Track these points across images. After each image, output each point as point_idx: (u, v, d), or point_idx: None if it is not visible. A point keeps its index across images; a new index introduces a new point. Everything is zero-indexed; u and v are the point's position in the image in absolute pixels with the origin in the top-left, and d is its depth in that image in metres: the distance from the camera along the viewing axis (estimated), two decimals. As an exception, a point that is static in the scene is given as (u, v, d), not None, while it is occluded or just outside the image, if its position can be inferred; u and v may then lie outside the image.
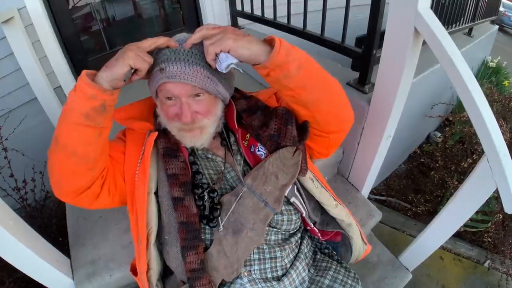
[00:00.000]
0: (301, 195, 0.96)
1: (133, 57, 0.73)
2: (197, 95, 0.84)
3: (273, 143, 0.90)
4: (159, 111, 0.91)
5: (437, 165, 2.25)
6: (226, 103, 0.96)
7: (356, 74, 1.50)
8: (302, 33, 1.64)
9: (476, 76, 2.68)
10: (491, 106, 1.00)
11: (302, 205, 0.96)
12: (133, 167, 0.90)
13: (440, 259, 1.99)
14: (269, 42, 0.78)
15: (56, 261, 1.18)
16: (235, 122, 0.94)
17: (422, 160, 2.38)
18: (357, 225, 1.07)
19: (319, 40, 1.53)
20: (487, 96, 2.26)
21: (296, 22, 1.75)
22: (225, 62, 0.76)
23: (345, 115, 0.91)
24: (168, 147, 0.91)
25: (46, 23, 1.88)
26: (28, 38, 1.79)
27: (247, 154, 0.94)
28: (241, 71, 0.80)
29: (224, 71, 0.78)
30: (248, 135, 0.95)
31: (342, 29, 1.43)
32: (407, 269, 1.47)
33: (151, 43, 0.78)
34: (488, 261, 2.01)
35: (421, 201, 2.21)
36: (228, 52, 0.75)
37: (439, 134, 2.73)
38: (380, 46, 1.22)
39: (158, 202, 0.90)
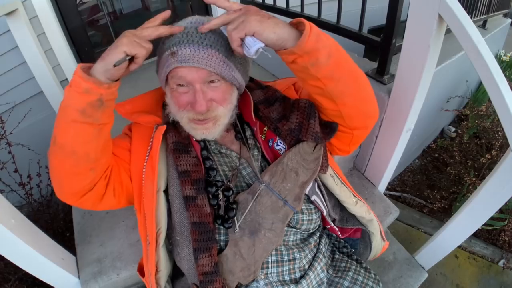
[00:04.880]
0: (321, 192, 0.91)
1: (127, 43, 0.66)
2: (212, 81, 0.77)
3: (293, 137, 0.84)
4: (168, 100, 0.84)
5: (452, 160, 2.19)
6: (241, 92, 0.89)
7: (373, 64, 1.45)
8: (316, 22, 1.56)
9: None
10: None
11: (323, 203, 0.91)
12: (140, 164, 0.84)
13: (455, 258, 1.94)
14: (296, 26, 0.71)
15: (61, 260, 1.15)
16: (253, 114, 0.88)
17: (436, 155, 2.31)
18: (377, 221, 1.02)
19: (335, 28, 1.47)
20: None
21: (309, 11, 1.69)
22: (254, 47, 0.68)
23: (370, 110, 0.84)
24: (179, 142, 0.85)
25: (51, 15, 1.84)
26: (33, 31, 1.76)
27: (265, 149, 0.88)
28: (269, 56, 0.73)
29: (254, 57, 0.70)
30: (265, 129, 0.89)
31: (360, 17, 1.37)
32: (423, 268, 1.42)
33: (150, 32, 0.71)
34: (502, 260, 1.96)
35: (436, 197, 2.15)
36: (253, 35, 0.68)
37: (453, 129, 2.66)
38: (399, 35, 1.16)
39: (168, 200, 0.84)
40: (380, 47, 1.31)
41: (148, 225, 0.81)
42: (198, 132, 0.82)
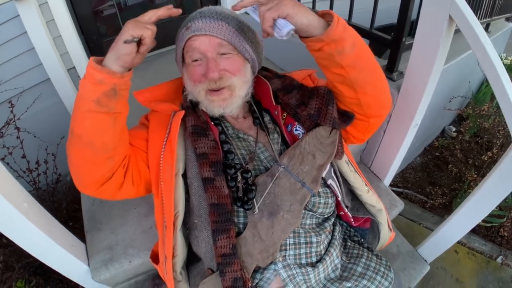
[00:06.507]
0: (337, 177, 0.94)
1: (132, 27, 0.69)
2: (224, 53, 0.83)
3: (312, 122, 0.88)
4: (185, 79, 0.89)
5: (453, 159, 2.23)
6: (255, 70, 0.94)
7: (382, 62, 1.47)
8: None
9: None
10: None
11: (338, 188, 0.94)
12: (157, 149, 0.86)
13: (454, 253, 1.98)
14: (322, 17, 0.76)
15: (71, 246, 1.14)
16: (272, 99, 0.91)
17: (437, 153, 2.35)
18: (385, 211, 1.05)
19: (347, 25, 1.49)
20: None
21: (321, 8, 1.71)
22: (286, 28, 0.72)
23: (386, 99, 0.89)
24: (197, 125, 0.87)
25: (61, 2, 1.84)
26: (42, 17, 1.75)
27: (285, 132, 0.91)
28: (298, 41, 0.77)
29: (284, 38, 0.74)
30: (285, 114, 0.92)
31: (371, 15, 1.40)
32: (425, 261, 1.46)
33: (151, 15, 0.74)
34: (500, 257, 2.01)
35: (438, 193, 2.19)
36: (285, 18, 0.72)
37: (454, 129, 2.70)
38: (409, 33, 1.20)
39: (186, 184, 0.86)
40: (390, 45, 1.34)
41: (165, 209, 0.83)
42: (215, 105, 0.86)
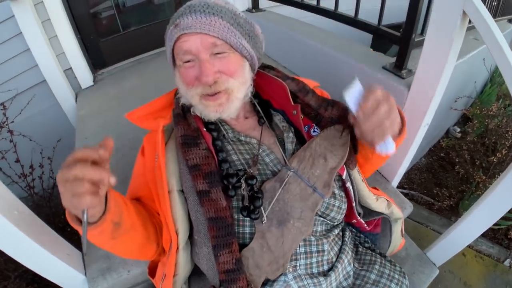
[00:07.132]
0: (352, 182, 0.89)
1: (69, 204, 0.54)
2: (219, 53, 0.76)
3: (332, 125, 0.85)
4: (177, 82, 0.82)
5: (460, 160, 2.20)
6: (254, 68, 0.88)
7: (389, 59, 1.43)
8: (334, 15, 1.56)
9: (494, 73, 2.63)
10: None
11: (354, 193, 0.89)
12: (152, 169, 0.82)
13: (462, 256, 1.95)
14: None
15: (67, 255, 1.08)
16: (291, 100, 0.86)
17: (442, 154, 2.32)
18: (399, 210, 1.01)
19: (353, 22, 1.46)
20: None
21: (325, 5, 1.67)
22: (392, 146, 0.69)
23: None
24: (187, 135, 0.80)
25: (57, 1, 1.79)
26: (37, 17, 1.71)
27: (304, 133, 0.86)
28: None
29: (383, 154, 0.71)
30: (301, 116, 0.87)
31: (379, 11, 1.37)
32: (434, 264, 1.42)
33: (78, 170, 0.51)
34: (508, 260, 1.98)
35: (445, 195, 2.16)
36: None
37: (458, 129, 2.68)
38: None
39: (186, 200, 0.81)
40: (399, 42, 1.30)
41: (170, 228, 0.78)
42: (211, 110, 0.80)
